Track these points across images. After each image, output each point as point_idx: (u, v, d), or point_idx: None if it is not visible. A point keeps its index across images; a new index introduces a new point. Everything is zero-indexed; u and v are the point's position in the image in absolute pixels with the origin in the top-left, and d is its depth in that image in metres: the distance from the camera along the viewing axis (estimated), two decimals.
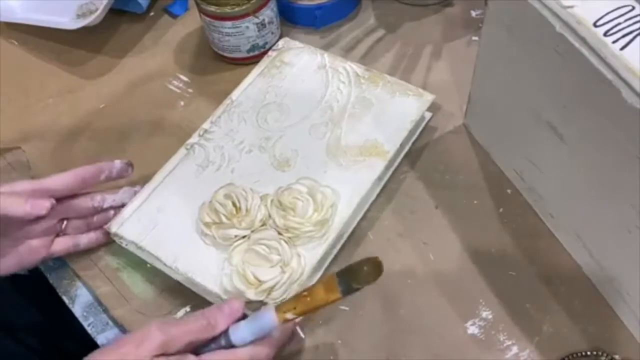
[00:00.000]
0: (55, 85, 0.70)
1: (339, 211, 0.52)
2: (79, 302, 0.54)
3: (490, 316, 0.49)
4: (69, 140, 0.65)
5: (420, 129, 0.60)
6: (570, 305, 0.49)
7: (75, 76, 0.71)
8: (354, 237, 0.54)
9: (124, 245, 0.53)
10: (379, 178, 0.55)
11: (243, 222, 0.50)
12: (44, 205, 0.48)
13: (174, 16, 0.75)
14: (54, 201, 0.49)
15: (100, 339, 0.52)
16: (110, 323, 0.53)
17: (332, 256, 0.52)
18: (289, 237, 0.50)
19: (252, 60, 0.67)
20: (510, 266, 0.52)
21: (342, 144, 0.56)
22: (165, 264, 0.51)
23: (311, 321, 0.50)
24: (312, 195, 0.51)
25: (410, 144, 0.59)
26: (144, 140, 0.64)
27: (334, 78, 0.61)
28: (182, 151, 0.57)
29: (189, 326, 0.41)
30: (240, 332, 0.42)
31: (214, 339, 0.42)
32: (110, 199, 0.55)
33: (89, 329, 0.53)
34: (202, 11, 0.64)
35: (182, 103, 0.66)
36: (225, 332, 0.42)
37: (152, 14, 0.75)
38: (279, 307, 0.42)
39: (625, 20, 0.38)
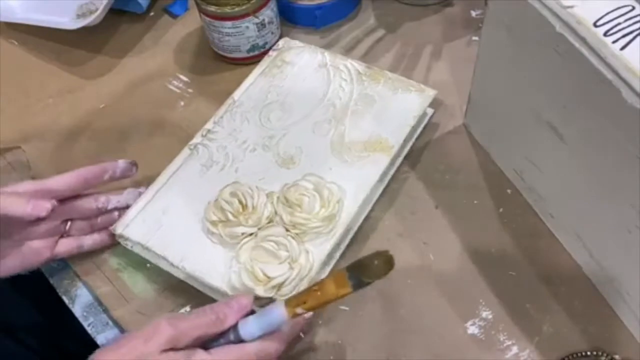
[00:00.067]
0: (55, 85, 0.70)
1: (345, 206, 0.52)
2: (79, 302, 0.54)
3: (490, 316, 0.49)
4: (69, 140, 0.65)
5: (423, 125, 0.60)
6: (570, 305, 0.49)
7: (75, 76, 0.71)
8: (354, 237, 0.54)
9: (129, 246, 0.53)
10: (384, 173, 0.55)
11: (250, 220, 0.50)
12: (44, 207, 0.47)
13: (174, 16, 0.75)
14: (55, 202, 0.48)
15: (100, 339, 0.52)
16: (110, 323, 0.53)
17: (340, 252, 0.52)
18: (297, 234, 0.50)
19: (252, 60, 0.67)
20: (510, 266, 0.52)
21: (346, 141, 0.56)
22: (172, 264, 0.51)
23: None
24: (318, 191, 0.52)
25: (413, 140, 0.59)
26: (144, 140, 0.64)
27: (336, 76, 0.61)
28: (185, 151, 0.57)
29: (198, 321, 0.41)
30: (249, 327, 0.42)
31: (223, 333, 0.42)
32: (114, 200, 0.54)
33: (89, 329, 0.53)
34: (202, 11, 0.64)
35: (182, 103, 0.66)
36: (234, 327, 0.42)
37: (152, 14, 0.75)
38: (288, 302, 0.42)
39: (625, 20, 0.38)
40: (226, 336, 0.42)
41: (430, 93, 0.58)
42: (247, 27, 0.64)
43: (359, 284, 0.40)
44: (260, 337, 0.42)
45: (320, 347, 0.49)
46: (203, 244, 0.51)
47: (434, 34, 0.68)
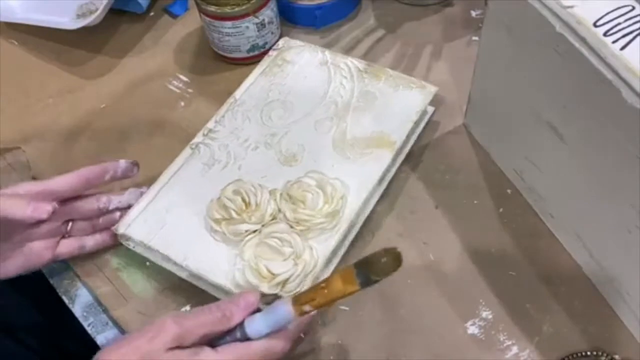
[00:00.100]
0: (55, 85, 0.70)
1: (349, 203, 0.52)
2: (79, 302, 0.54)
3: (490, 316, 0.49)
4: (69, 140, 0.65)
5: (424, 123, 0.60)
6: (570, 305, 0.49)
7: (75, 76, 0.71)
8: (354, 237, 0.54)
9: (131, 247, 0.53)
10: (387, 169, 0.55)
11: (253, 217, 0.50)
12: (45, 209, 0.47)
13: (174, 16, 0.75)
14: (56, 205, 0.48)
15: (100, 339, 0.52)
16: (110, 323, 0.53)
17: (344, 248, 0.52)
18: (301, 230, 0.50)
19: (252, 60, 0.67)
20: (510, 266, 0.52)
21: (348, 138, 0.57)
22: (175, 263, 0.51)
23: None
24: (321, 188, 0.52)
25: (415, 137, 0.59)
26: (144, 140, 0.64)
27: (336, 74, 0.61)
28: (187, 151, 0.57)
29: (203, 318, 0.41)
30: (256, 325, 0.41)
31: (229, 331, 0.42)
32: (116, 200, 0.54)
33: (89, 329, 0.53)
34: (202, 11, 0.64)
35: (182, 103, 0.66)
36: (241, 325, 0.42)
37: (152, 14, 0.75)
38: (295, 299, 0.41)
39: (625, 20, 0.38)
40: (232, 334, 0.42)
41: (432, 89, 0.59)
42: (247, 27, 0.64)
43: (367, 282, 0.39)
44: (266, 335, 0.41)
45: (320, 347, 0.49)
46: (206, 242, 0.51)
47: (434, 34, 0.68)
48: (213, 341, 0.41)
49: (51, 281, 0.56)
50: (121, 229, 0.53)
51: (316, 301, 0.40)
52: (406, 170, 0.58)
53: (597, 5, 0.39)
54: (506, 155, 0.56)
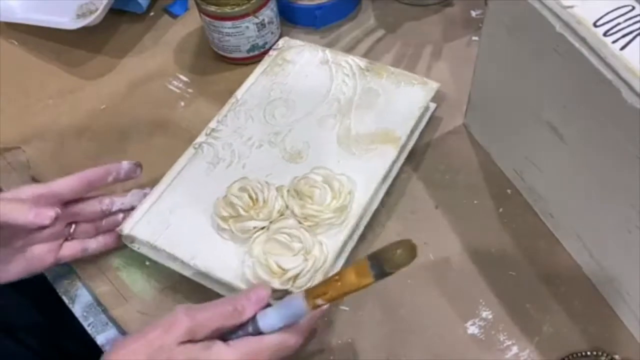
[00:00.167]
0: (55, 85, 0.70)
1: (356, 198, 0.52)
2: (79, 302, 0.54)
3: (490, 316, 0.49)
4: (69, 140, 0.65)
5: (427, 119, 0.60)
6: (570, 305, 0.49)
7: (75, 76, 0.71)
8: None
9: (135, 248, 0.53)
10: (392, 165, 0.55)
11: (261, 214, 0.50)
12: (48, 215, 0.46)
13: (174, 16, 0.75)
14: (58, 210, 0.47)
15: (100, 339, 0.52)
16: (110, 323, 0.53)
17: (353, 243, 0.52)
18: (309, 226, 0.50)
19: (252, 60, 0.67)
20: (510, 266, 0.52)
21: (353, 134, 0.57)
22: (183, 262, 0.50)
23: None
24: (328, 183, 0.52)
25: (418, 133, 0.59)
26: (145, 140, 0.64)
27: (338, 72, 0.62)
28: (190, 150, 0.57)
29: (216, 312, 0.40)
30: (269, 319, 0.41)
31: (242, 325, 0.41)
32: (119, 202, 0.54)
33: (89, 329, 0.53)
34: (202, 11, 0.64)
35: (182, 103, 0.66)
36: (253, 319, 0.41)
37: (152, 14, 0.75)
38: (308, 293, 0.41)
39: (625, 20, 0.38)
40: (245, 328, 0.41)
41: (434, 85, 0.59)
42: (247, 27, 0.64)
43: (381, 274, 0.39)
44: (279, 329, 0.41)
45: (320, 347, 0.49)
46: (213, 240, 0.51)
47: (434, 34, 0.68)
48: (225, 335, 0.41)
49: (51, 281, 0.56)
50: (126, 229, 0.52)
51: (329, 294, 0.40)
52: (407, 170, 0.58)
53: (597, 5, 0.39)
54: (506, 155, 0.56)
